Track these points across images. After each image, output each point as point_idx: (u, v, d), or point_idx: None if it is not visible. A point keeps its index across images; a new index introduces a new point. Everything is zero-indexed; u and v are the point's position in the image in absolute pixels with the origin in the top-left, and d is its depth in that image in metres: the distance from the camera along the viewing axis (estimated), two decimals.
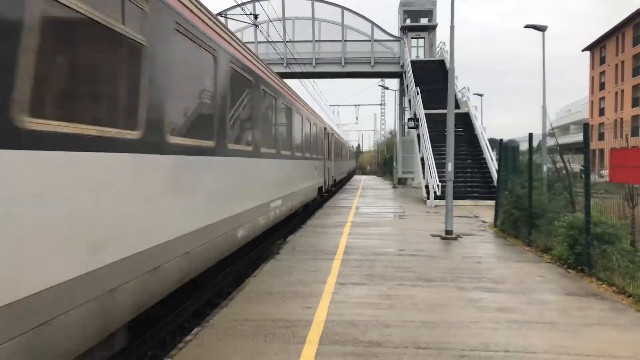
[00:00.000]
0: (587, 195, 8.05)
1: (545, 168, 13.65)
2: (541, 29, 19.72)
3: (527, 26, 20.15)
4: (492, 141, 23.81)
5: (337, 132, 36.02)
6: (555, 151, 12.45)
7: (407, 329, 5.34)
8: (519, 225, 11.50)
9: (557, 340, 5.05)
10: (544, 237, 9.89)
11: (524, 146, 12.24)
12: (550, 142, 18.54)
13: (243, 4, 22.69)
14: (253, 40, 35.12)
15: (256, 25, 25.26)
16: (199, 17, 5.68)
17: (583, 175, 8.56)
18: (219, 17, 6.87)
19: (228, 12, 29.61)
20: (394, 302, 6.37)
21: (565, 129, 76.35)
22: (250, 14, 19.77)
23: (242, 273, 9.49)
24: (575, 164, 11.41)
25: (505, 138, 14.01)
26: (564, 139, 58.13)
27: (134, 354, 5.38)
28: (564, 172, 11.15)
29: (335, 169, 27.36)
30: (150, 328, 5.90)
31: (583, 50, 67.45)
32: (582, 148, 8.38)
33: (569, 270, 8.27)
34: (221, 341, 5.00)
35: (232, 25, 31.63)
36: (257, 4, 31.87)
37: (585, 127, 8.34)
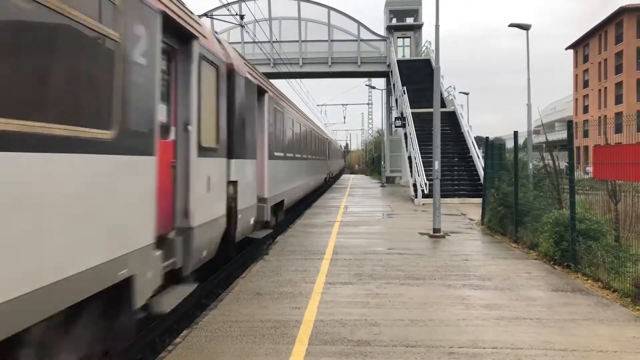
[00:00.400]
0: (571, 192, 8.15)
1: (531, 165, 13.79)
2: (525, 27, 19.87)
3: (511, 25, 20.29)
4: (478, 139, 23.98)
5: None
6: (541, 148, 12.57)
7: (396, 328, 5.37)
8: (506, 222, 11.61)
9: (544, 335, 5.12)
10: (530, 234, 10.00)
11: (510, 144, 12.37)
12: (538, 139, 18.73)
13: (229, 4, 22.61)
14: (240, 40, 35.03)
15: (242, 26, 25.19)
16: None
17: (567, 172, 8.66)
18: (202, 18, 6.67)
19: (214, 13, 29.47)
20: (383, 300, 6.40)
21: (550, 126, 77.12)
22: (236, 14, 19.70)
23: (231, 274, 9.48)
24: (561, 161, 11.54)
25: (492, 136, 14.14)
26: (550, 137, 58.69)
27: (123, 357, 5.35)
28: (549, 169, 11.27)
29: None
30: (140, 331, 5.86)
31: (566, 49, 68.23)
32: (566, 145, 8.49)
33: (555, 267, 8.37)
34: (210, 343, 4.99)
35: (218, 26, 31.53)
36: (242, 4, 31.80)
37: (569, 124, 8.45)
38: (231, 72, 7.87)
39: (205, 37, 6.64)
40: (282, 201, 12.88)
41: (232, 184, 7.84)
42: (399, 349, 4.78)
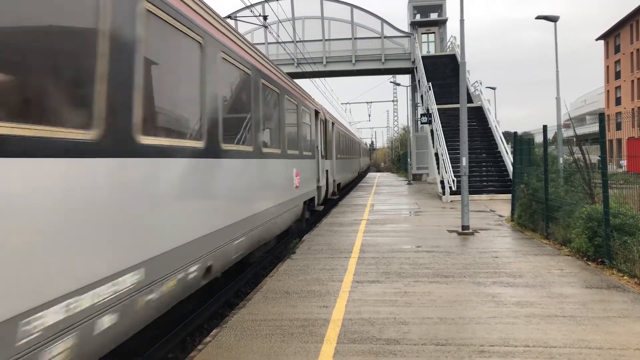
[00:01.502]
0: (604, 186, 7.94)
1: (561, 160, 13.49)
2: (553, 19, 19.46)
3: (538, 17, 19.89)
4: (506, 134, 23.60)
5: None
6: (571, 142, 12.27)
7: (425, 326, 5.32)
8: (536, 218, 11.39)
9: (577, 333, 5.00)
10: (562, 229, 9.78)
11: (539, 138, 12.12)
12: (567, 133, 18.32)
13: (252, 5, 22.72)
14: (263, 41, 35.22)
15: (266, 27, 25.31)
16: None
17: (600, 166, 8.44)
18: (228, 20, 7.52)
19: (237, 15, 29.69)
20: (411, 299, 6.35)
21: (581, 119, 75.38)
22: (260, 15, 19.80)
23: (259, 273, 9.54)
24: (593, 155, 11.25)
25: (520, 131, 13.88)
26: (580, 130, 57.38)
27: (155, 356, 5.43)
28: (581, 163, 11.01)
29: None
30: (171, 330, 5.95)
31: (597, 40, 66.52)
32: (598, 138, 8.27)
33: (589, 263, 8.17)
34: (240, 341, 5.02)
35: (242, 28, 31.78)
36: (266, 5, 31.96)
37: (601, 116, 8.22)
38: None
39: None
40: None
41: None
42: (429, 347, 4.74)
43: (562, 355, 4.46)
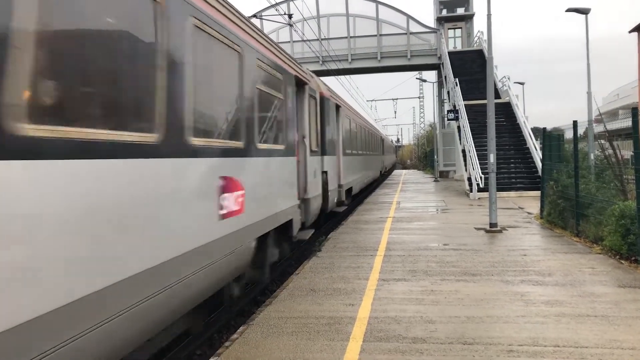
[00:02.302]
0: (638, 182, 7.73)
1: (592, 156, 13.18)
2: (584, 11, 18.99)
3: (568, 10, 19.44)
4: (535, 130, 23.16)
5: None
6: (603, 138, 12.00)
7: (452, 325, 5.27)
8: (566, 215, 11.16)
9: (610, 333, 4.88)
10: (593, 227, 9.56)
11: (569, 134, 11.87)
12: (598, 129, 17.89)
13: (277, 4, 22.83)
14: (288, 40, 35.32)
15: (291, 25, 25.37)
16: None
17: (634, 162, 8.23)
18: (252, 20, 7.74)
19: (262, 13, 29.84)
20: (438, 297, 6.30)
21: (613, 114, 73.44)
22: (285, 14, 19.87)
23: (285, 270, 9.59)
24: (626, 151, 10.97)
25: (550, 126, 13.61)
26: (612, 125, 55.95)
27: (183, 352, 5.53)
28: (613, 159, 10.74)
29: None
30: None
31: (630, 32, 64.65)
32: (631, 133, 8.06)
33: (622, 261, 7.97)
34: (266, 339, 5.07)
35: (267, 26, 31.92)
36: (290, 3, 32.05)
37: (634, 111, 8.00)
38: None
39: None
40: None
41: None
42: (456, 346, 4.69)
43: (593, 356, 4.37)
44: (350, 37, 36.48)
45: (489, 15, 12.38)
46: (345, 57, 35.83)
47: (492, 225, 11.48)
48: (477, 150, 20.85)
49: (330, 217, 14.07)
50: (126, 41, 3.64)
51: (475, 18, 38.45)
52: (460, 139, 24.93)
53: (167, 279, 3.96)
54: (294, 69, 8.84)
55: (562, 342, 4.69)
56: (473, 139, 21.99)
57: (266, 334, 5.20)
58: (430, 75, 42.36)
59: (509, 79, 28.12)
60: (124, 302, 3.37)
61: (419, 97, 73.65)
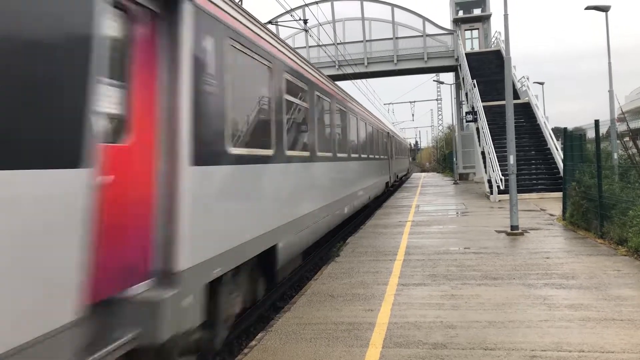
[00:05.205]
0: None
1: (616, 155, 12.91)
2: (604, 9, 18.67)
3: (588, 7, 19.13)
4: (556, 130, 22.78)
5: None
6: (626, 136, 11.74)
7: (473, 330, 5.18)
8: (590, 217, 10.94)
9: (637, 338, 4.75)
10: (618, 228, 9.35)
11: (590, 134, 11.64)
12: (621, 128, 17.55)
13: (292, 10, 22.93)
14: (304, 45, 35.41)
15: (306, 30, 25.44)
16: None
17: None
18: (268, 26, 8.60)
19: (278, 20, 29.98)
20: (459, 302, 6.21)
21: (636, 112, 72.02)
22: (300, 19, 19.93)
23: (304, 276, 9.57)
24: None
25: (572, 126, 13.38)
26: (636, 124, 54.86)
27: (202, 359, 5.52)
28: (637, 158, 10.51)
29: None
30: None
31: None
32: None
33: None
34: (285, 345, 5.04)
35: (283, 32, 32.06)
36: (306, 8, 32.13)
37: None
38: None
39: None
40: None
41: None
42: (477, 352, 4.61)
43: None
44: (366, 40, 36.43)
45: (505, 16, 12.26)
46: (362, 61, 35.77)
47: (514, 227, 11.30)
48: (496, 152, 20.62)
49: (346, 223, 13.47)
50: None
51: (492, 18, 38.07)
52: (479, 141, 24.68)
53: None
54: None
55: (587, 347, 4.57)
56: (492, 141, 21.75)
57: (285, 341, 5.17)
58: (448, 77, 42.08)
59: (527, 79, 27.78)
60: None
61: (436, 100, 73.31)
